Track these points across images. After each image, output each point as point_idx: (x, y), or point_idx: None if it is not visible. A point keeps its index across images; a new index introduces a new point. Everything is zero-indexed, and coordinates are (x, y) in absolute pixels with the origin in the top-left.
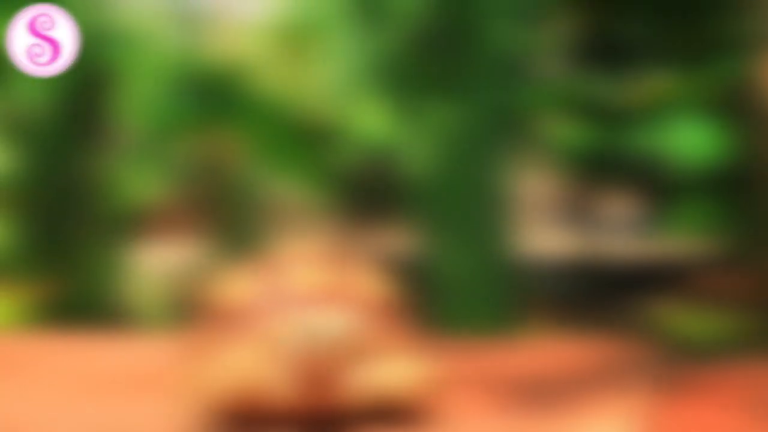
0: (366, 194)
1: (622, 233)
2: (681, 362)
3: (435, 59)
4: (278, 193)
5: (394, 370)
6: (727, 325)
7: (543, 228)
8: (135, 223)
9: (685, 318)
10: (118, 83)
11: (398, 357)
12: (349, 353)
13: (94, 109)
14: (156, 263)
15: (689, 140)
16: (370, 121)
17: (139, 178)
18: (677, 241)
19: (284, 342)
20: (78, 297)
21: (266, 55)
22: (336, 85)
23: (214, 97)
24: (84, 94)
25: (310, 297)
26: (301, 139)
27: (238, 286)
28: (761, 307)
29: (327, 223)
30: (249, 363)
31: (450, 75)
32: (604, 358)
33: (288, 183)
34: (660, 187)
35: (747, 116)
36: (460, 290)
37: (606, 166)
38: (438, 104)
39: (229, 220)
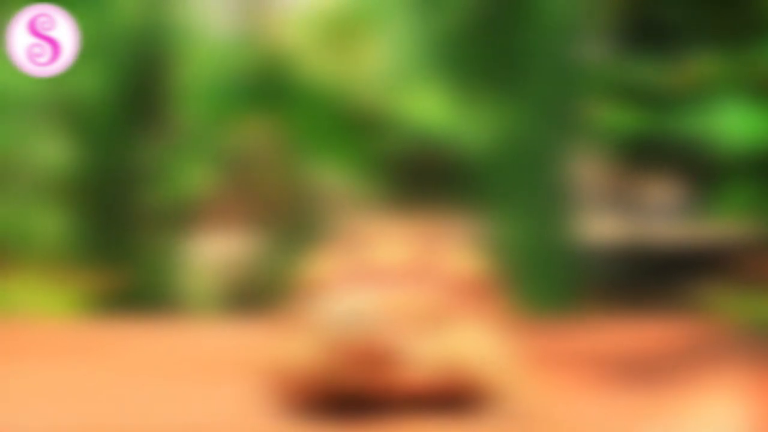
0: (420, 181)
1: (667, 217)
2: (753, 341)
3: (490, 44)
4: (330, 181)
5: (470, 346)
6: None
7: (589, 213)
8: (189, 213)
9: (735, 300)
10: (171, 73)
11: (476, 334)
12: (419, 329)
13: (149, 99)
14: (210, 253)
15: (734, 123)
16: (424, 108)
17: (192, 168)
18: (723, 224)
19: (335, 324)
20: (134, 286)
21: (317, 43)
22: (388, 72)
23: (265, 85)
24: (138, 84)
25: (391, 274)
26: (353, 127)
27: (323, 264)
28: None
29: (379, 211)
30: (313, 344)
31: (505, 60)
32: (683, 338)
33: (339, 171)
34: (705, 171)
35: None
36: (520, 275)
37: (650, 150)
38: (494, 90)
39: (281, 209)
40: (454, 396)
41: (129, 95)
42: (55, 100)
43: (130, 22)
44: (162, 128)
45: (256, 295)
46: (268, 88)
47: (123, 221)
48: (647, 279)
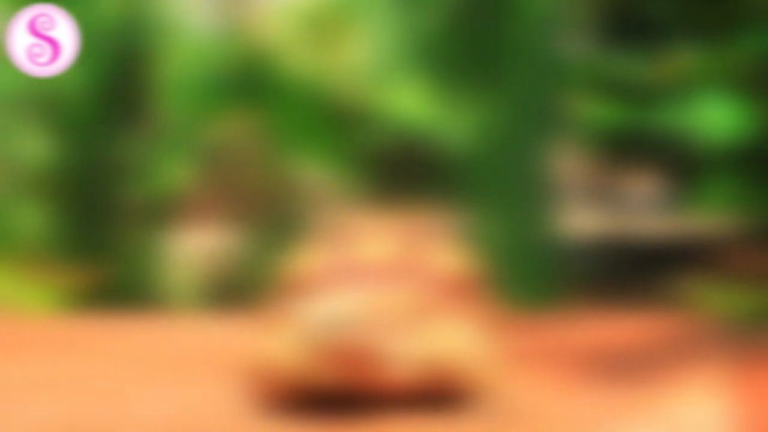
0: (401, 176)
1: (648, 211)
2: (735, 335)
3: (471, 39)
4: (312, 176)
5: (456, 343)
6: (757, 301)
7: (571, 207)
8: (171, 208)
9: (715, 294)
10: (152, 68)
11: (461, 331)
12: (403, 327)
13: (130, 94)
14: (191, 248)
15: (715, 117)
16: (406, 103)
17: (173, 163)
18: (704, 218)
19: (318, 323)
20: (115, 281)
21: (299, 38)
22: (370, 67)
23: (247, 80)
24: (119, 79)
25: (376, 270)
26: (335, 122)
27: (307, 260)
28: None
29: (360, 206)
30: (296, 340)
31: (487, 55)
32: (664, 332)
33: (321, 166)
34: (686, 165)
35: None
36: (502, 270)
37: (632, 145)
38: (475, 84)
39: (262, 204)
40: (438, 393)
41: (110, 90)
42: (37, 96)
43: (111, 17)
44: (143, 123)
45: (237, 290)
46: (250, 83)
47: (104, 216)
48: (628, 272)
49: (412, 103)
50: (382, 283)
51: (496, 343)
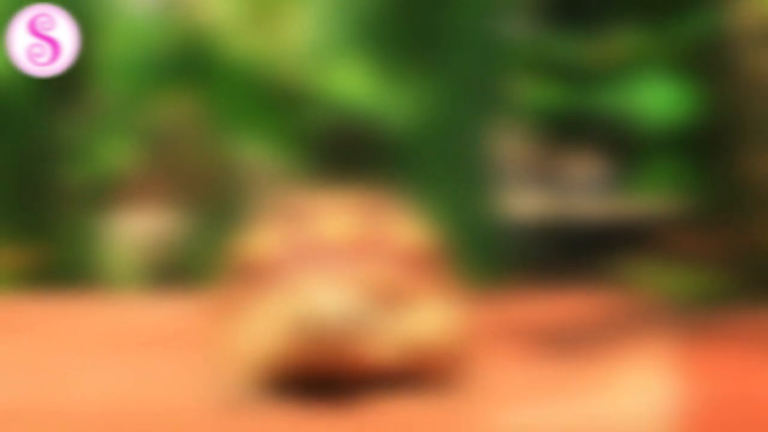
0: (344, 157)
1: (590, 193)
2: (676, 315)
3: (413, 19)
4: (254, 157)
5: (432, 320)
6: (698, 282)
7: (512, 189)
8: (111, 190)
9: (656, 274)
10: (91, 47)
11: (435, 308)
12: (380, 309)
13: (68, 74)
14: (132, 230)
15: (657, 99)
16: (348, 82)
17: (114, 144)
18: (645, 200)
19: (302, 304)
20: (55, 263)
21: (240, 17)
22: (312, 46)
23: (187, 60)
24: None
25: (342, 249)
26: (276, 102)
27: (264, 240)
28: (729, 265)
29: (302, 186)
30: (271, 324)
31: (428, 35)
32: (606, 311)
33: (263, 147)
34: (628, 147)
35: (717, 73)
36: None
37: (573, 126)
38: (417, 64)
39: (204, 185)
40: (420, 372)
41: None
42: None
43: None
44: (82, 103)
45: (178, 272)
46: (190, 62)
47: (44, 197)
48: (570, 254)
49: (353, 83)
50: (349, 262)
51: (465, 320)
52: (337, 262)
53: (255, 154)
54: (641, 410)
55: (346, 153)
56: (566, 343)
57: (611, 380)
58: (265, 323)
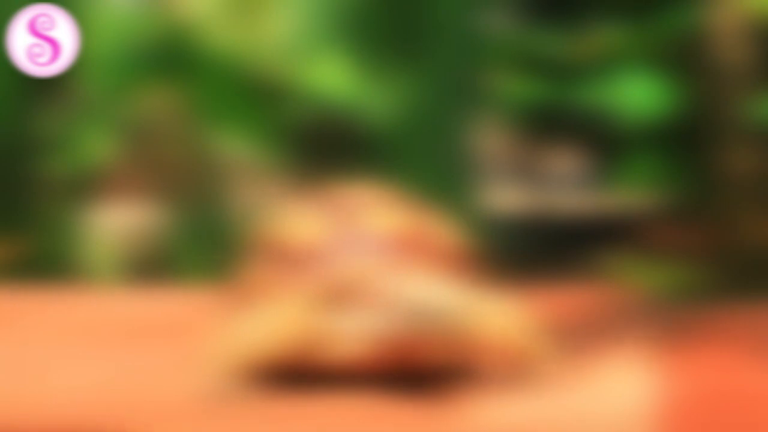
0: (322, 150)
1: (570, 188)
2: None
3: (394, 13)
4: (234, 151)
5: (492, 322)
6: (679, 277)
7: (493, 184)
8: (91, 182)
9: (638, 269)
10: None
11: (492, 308)
12: (438, 309)
13: None
14: (112, 223)
15: (637, 94)
16: (328, 76)
17: (94, 137)
18: (626, 195)
19: (401, 307)
20: (34, 255)
21: (220, 10)
22: (292, 40)
23: (168, 53)
24: None
25: (387, 244)
26: (257, 96)
27: (303, 226)
28: (710, 260)
29: (282, 180)
30: (309, 313)
31: (410, 29)
32: (588, 306)
33: (243, 141)
34: (608, 142)
35: (697, 69)
36: None
37: (554, 121)
38: (398, 59)
39: (184, 179)
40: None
41: None
42: None
43: None
44: (63, 96)
45: (160, 265)
46: (171, 56)
47: (24, 190)
48: (551, 248)
49: (334, 77)
50: (396, 257)
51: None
52: (383, 256)
53: (236, 148)
54: (623, 405)
55: (327, 147)
56: (547, 338)
57: (593, 375)
58: (295, 307)
